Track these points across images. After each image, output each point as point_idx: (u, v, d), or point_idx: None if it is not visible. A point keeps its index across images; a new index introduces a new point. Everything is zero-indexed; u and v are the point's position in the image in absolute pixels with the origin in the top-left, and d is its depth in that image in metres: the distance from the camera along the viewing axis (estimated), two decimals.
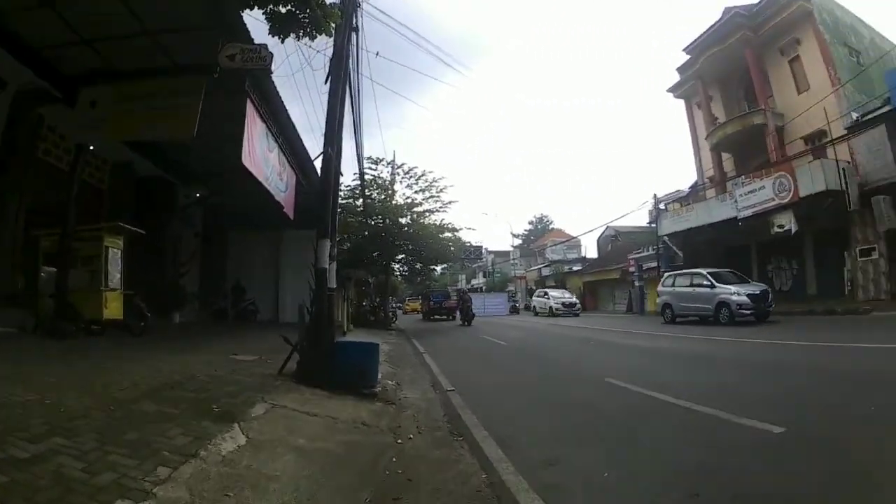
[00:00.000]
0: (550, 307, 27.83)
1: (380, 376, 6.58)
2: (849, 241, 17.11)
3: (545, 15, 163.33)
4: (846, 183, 16.48)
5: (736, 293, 14.20)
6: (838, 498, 2.65)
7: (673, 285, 17.24)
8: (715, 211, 21.19)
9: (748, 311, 13.88)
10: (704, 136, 24.20)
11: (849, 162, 17.09)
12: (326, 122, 7.16)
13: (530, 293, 39.91)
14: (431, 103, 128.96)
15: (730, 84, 23.24)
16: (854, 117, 17.22)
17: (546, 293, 30.24)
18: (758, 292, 14.33)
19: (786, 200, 17.68)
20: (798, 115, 19.01)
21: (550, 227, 65.87)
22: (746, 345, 9.60)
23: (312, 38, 5.42)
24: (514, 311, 35.24)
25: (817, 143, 18.62)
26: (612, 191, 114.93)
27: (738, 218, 19.47)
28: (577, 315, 26.04)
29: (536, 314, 28.80)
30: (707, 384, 6.01)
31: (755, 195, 18.95)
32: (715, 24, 22.16)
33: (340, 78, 7.31)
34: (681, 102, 26.90)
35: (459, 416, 5.02)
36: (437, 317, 28.69)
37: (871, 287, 16.21)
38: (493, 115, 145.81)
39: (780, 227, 17.97)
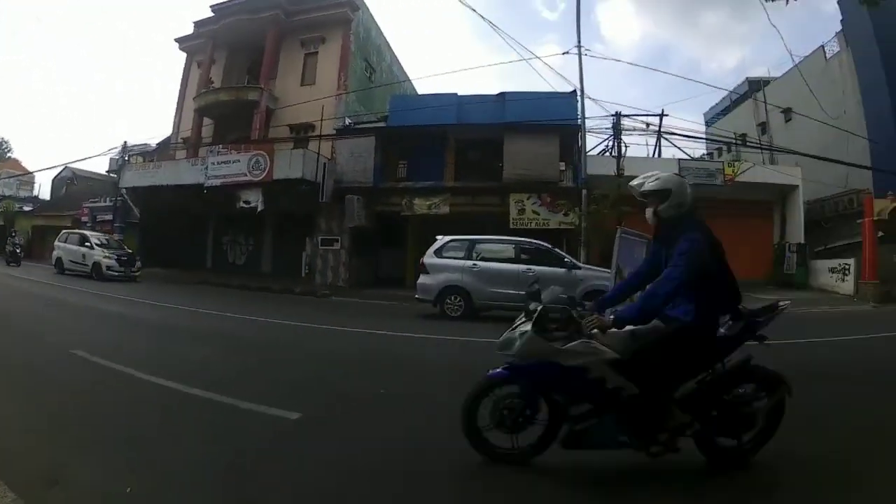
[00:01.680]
0: (97, 264, 16.71)
1: None
2: (313, 228, 17.61)
3: None
4: (324, 176, 17.11)
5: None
6: (363, 477, 2.72)
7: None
8: (184, 173, 18.90)
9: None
10: (193, 97, 21.04)
11: (329, 159, 17.85)
12: None
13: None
14: None
15: (239, 54, 21.69)
16: (347, 122, 18.70)
17: (87, 238, 18.10)
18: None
19: (258, 178, 17.10)
20: (293, 105, 19.21)
21: (8, 155, 54.47)
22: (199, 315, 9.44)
23: None
24: None
25: (302, 134, 19.08)
26: (78, 126, 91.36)
27: (205, 185, 17.87)
28: (135, 278, 17.28)
29: (63, 272, 17.99)
30: (193, 361, 5.56)
31: (228, 167, 17.71)
32: None
33: None
34: (183, 56, 23.29)
35: None
36: None
37: (329, 273, 17.28)
38: None
39: (247, 202, 17.33)
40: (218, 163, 17.89)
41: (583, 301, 3.01)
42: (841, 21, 22.55)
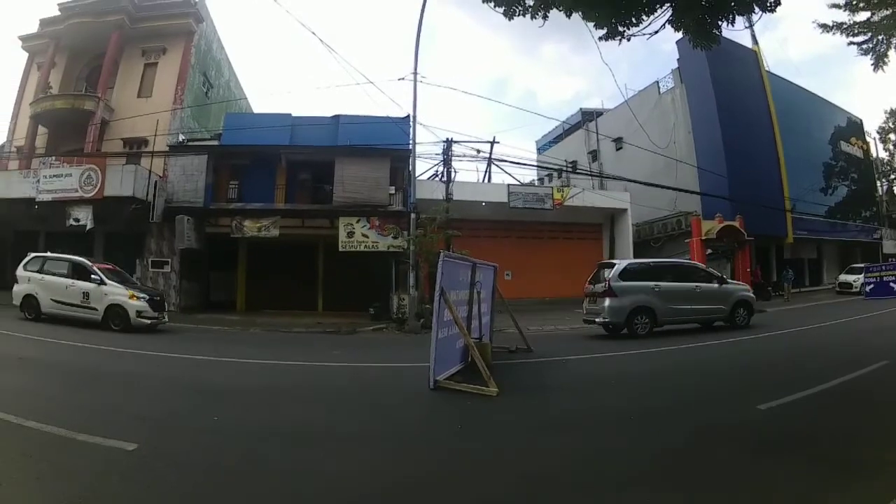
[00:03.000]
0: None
1: None
2: (143, 249, 18.00)
3: None
4: (155, 195, 17.47)
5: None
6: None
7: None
8: (15, 186, 18.44)
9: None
10: (30, 102, 20.88)
11: (161, 176, 18.22)
12: None
13: None
14: None
15: (80, 59, 21.42)
16: (181, 139, 19.01)
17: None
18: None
19: (89, 195, 17.20)
20: (129, 117, 19.27)
21: None
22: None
23: None
24: None
25: (136, 149, 19.22)
26: None
27: (37, 200, 17.77)
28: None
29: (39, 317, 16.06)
30: (31, 393, 5.66)
31: (60, 181, 17.66)
32: None
33: None
34: (25, 56, 22.82)
35: None
36: None
37: None
38: None
39: (77, 220, 17.40)
40: (50, 176, 17.75)
41: None
42: (678, 59, 24.86)
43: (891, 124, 40.05)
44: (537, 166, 30.47)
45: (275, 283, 18.45)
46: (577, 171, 26.17)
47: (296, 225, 17.87)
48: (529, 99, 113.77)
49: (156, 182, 17.73)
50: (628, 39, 6.18)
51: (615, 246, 21.85)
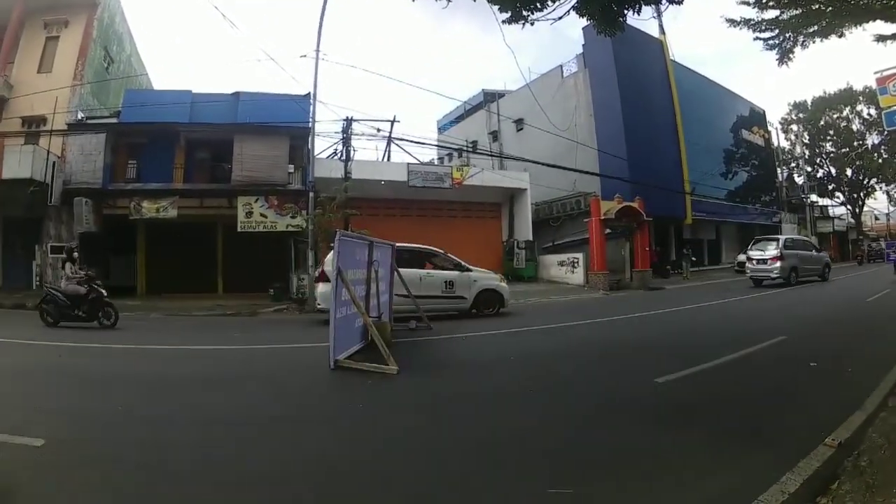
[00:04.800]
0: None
1: None
2: (43, 235, 18.39)
3: None
4: (53, 176, 17.82)
5: None
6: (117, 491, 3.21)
7: None
8: None
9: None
10: None
11: (59, 157, 18.55)
12: None
13: None
14: None
15: None
16: (80, 116, 19.27)
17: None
18: None
19: None
20: (28, 94, 19.30)
21: None
22: None
23: None
24: None
25: (35, 128, 19.46)
26: None
27: None
28: None
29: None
30: None
31: None
32: None
33: None
34: None
35: None
36: None
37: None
38: None
39: None
40: None
41: None
42: (582, 45, 25.69)
43: (793, 115, 44.64)
44: (437, 146, 31.16)
45: (175, 265, 18.92)
46: (478, 151, 27.06)
47: (194, 205, 18.33)
48: (435, 79, 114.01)
49: (54, 163, 17.98)
50: (532, 24, 6.42)
51: (514, 224, 22.83)
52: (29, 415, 4.81)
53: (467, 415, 4.81)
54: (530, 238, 21.63)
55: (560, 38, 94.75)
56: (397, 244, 10.40)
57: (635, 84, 24.40)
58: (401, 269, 10.51)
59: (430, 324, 10.04)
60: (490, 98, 34.04)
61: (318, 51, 17.73)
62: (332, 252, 12.12)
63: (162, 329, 12.03)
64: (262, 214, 18.40)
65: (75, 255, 12.18)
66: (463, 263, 12.71)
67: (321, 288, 11.50)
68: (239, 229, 18.16)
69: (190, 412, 5.01)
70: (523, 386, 5.86)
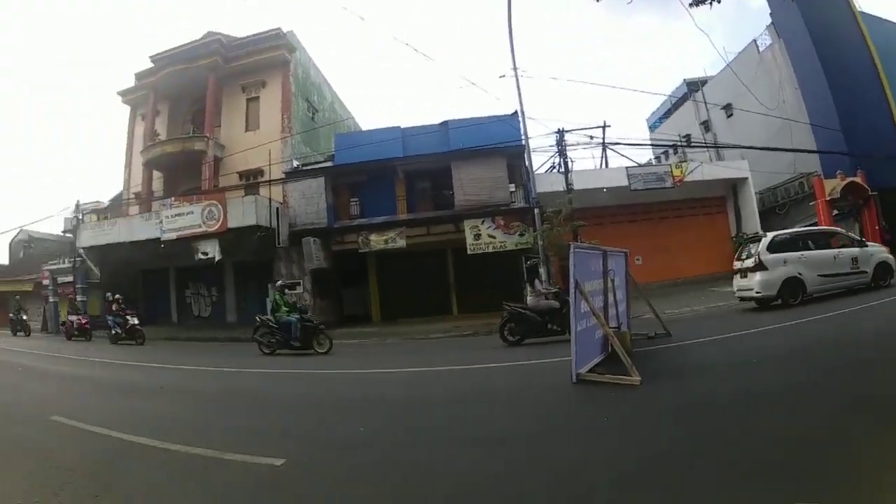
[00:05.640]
0: None
1: None
2: (273, 274, 19.29)
3: None
4: (279, 221, 18.88)
5: None
6: None
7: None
8: (138, 229, 20.48)
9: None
10: (140, 150, 23.16)
11: (281, 203, 19.60)
12: None
13: None
14: None
15: (181, 103, 23.53)
16: (295, 164, 20.38)
17: None
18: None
19: (213, 229, 18.82)
20: (240, 151, 21.04)
21: None
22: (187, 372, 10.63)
23: None
24: None
25: (252, 180, 20.92)
26: (25, 186, 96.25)
27: (162, 240, 19.56)
28: None
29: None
30: (175, 418, 6.18)
31: (182, 219, 19.35)
32: (191, 42, 22.85)
33: None
34: (127, 109, 25.47)
35: None
36: None
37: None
38: None
39: (205, 254, 19.03)
40: (172, 216, 19.47)
41: None
42: (770, 14, 25.42)
43: None
44: (651, 144, 31.28)
45: (407, 291, 19.52)
46: (692, 144, 26.64)
47: (421, 233, 18.78)
48: (628, 77, 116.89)
49: (277, 208, 19.05)
50: (719, 1, 6.29)
51: (741, 217, 22.23)
52: (270, 437, 5.11)
53: (718, 425, 4.42)
54: (758, 229, 20.94)
55: (745, 10, 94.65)
56: (802, 228, 10.68)
57: (831, 45, 22.88)
58: (814, 252, 11.44)
59: (669, 330, 9.66)
60: (693, 87, 33.75)
61: (514, 68, 18.17)
62: (762, 241, 12.51)
63: (399, 353, 12.51)
64: (490, 235, 18.61)
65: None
66: (860, 239, 13.12)
67: (760, 276, 12.22)
68: (469, 252, 18.35)
69: (431, 433, 4.97)
70: (770, 389, 5.39)
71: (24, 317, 22.08)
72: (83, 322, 18.84)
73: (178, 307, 22.96)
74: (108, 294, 18.36)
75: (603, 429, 4.67)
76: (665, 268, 20.25)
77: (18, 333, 21.09)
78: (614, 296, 8.52)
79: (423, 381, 8.17)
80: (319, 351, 11.78)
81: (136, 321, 16.73)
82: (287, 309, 12.46)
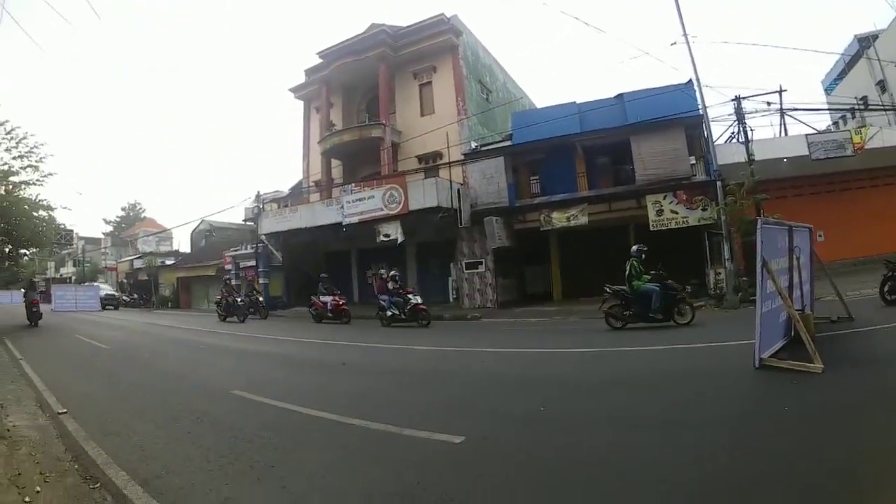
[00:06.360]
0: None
1: None
2: (455, 254, 23.11)
3: None
4: (460, 202, 22.67)
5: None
6: (546, 493, 3.60)
7: None
8: (320, 215, 25.25)
9: None
10: (318, 141, 27.26)
11: (462, 184, 23.56)
12: None
13: (121, 287, 50.05)
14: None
15: (354, 94, 28.16)
16: (473, 146, 24.58)
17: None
18: None
19: (395, 211, 22.73)
20: (417, 137, 25.38)
21: (143, 215, 75.77)
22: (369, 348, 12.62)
23: None
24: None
25: (431, 163, 25.07)
26: (205, 182, 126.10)
27: (343, 224, 23.84)
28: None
29: None
30: (354, 394, 7.30)
31: (363, 203, 23.62)
32: (357, 35, 27.83)
33: None
34: (300, 104, 30.27)
35: (86, 452, 5.17)
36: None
37: (476, 296, 22.45)
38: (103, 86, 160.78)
39: (387, 235, 23.00)
40: (353, 201, 24.02)
41: None
42: None
43: None
44: (828, 109, 31.68)
45: (588, 269, 21.89)
46: (869, 107, 26.57)
47: (602, 210, 21.67)
48: (799, 36, 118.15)
49: (458, 190, 23.11)
50: None
51: None
52: (449, 414, 5.85)
53: None
54: None
55: None
56: None
57: None
58: None
59: (852, 314, 10.05)
60: (865, 44, 34.15)
61: (685, 34, 19.76)
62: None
63: (579, 332, 13.62)
64: (672, 211, 20.76)
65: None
66: None
67: None
68: (651, 228, 20.86)
69: (606, 414, 5.55)
70: None
71: (240, 299, 23.13)
72: (340, 303, 20.11)
73: (360, 287, 27.85)
74: (382, 271, 20.07)
75: (800, 417, 4.90)
76: (847, 244, 21.38)
77: (230, 319, 22.60)
78: (799, 275, 8.79)
79: (606, 362, 8.98)
80: (680, 322, 12.11)
81: (419, 300, 17.86)
82: (648, 277, 12.61)
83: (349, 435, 5.10)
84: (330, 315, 19.68)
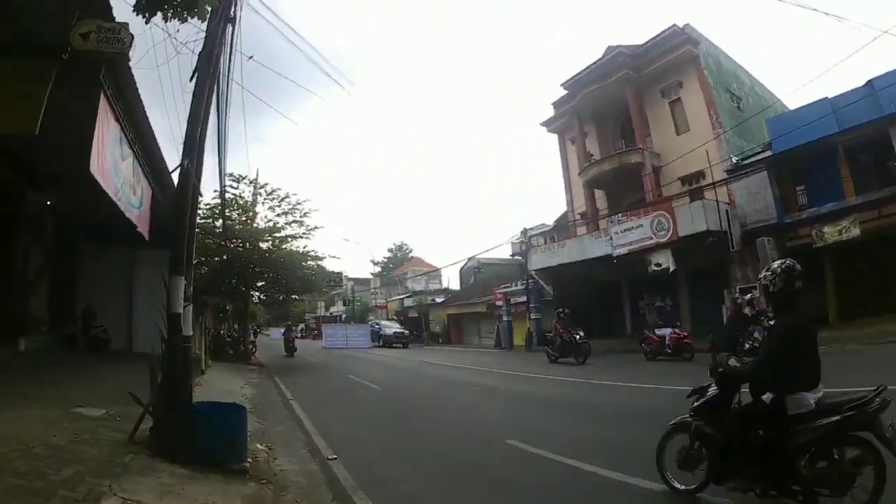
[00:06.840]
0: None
1: (248, 436, 7.27)
2: (728, 279, 24.23)
3: (425, 41, 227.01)
4: (729, 224, 23.36)
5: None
6: None
7: None
8: (589, 247, 28.14)
9: None
10: (577, 172, 31.64)
11: (728, 203, 24.74)
12: (187, 129, 7.82)
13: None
14: (300, 119, 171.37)
15: (606, 121, 31.92)
16: (734, 161, 25.79)
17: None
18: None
19: (664, 239, 24.05)
20: (677, 157, 27.12)
21: (410, 255, 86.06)
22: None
23: (183, 19, 5.86)
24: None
25: (695, 185, 26.88)
26: (471, 221, 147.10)
27: (613, 255, 25.83)
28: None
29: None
30: (630, 448, 6.92)
31: (632, 233, 25.32)
32: (597, 61, 31.23)
33: (209, 77, 8.07)
34: (554, 137, 35.35)
35: (353, 501, 5.59)
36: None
37: None
38: (360, 139, 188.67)
39: (658, 265, 24.40)
40: (621, 231, 25.98)
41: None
42: None
43: None
44: None
45: (865, 287, 20.68)
46: None
47: (872, 217, 19.91)
48: None
49: (726, 210, 23.91)
50: None
51: None
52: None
53: None
54: None
55: None
56: None
57: None
58: None
59: None
60: None
61: None
62: None
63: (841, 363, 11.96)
64: None
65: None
66: None
67: None
68: None
69: None
70: None
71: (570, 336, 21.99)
72: (682, 336, 19.29)
73: (632, 318, 29.80)
74: (737, 295, 19.78)
75: None
76: None
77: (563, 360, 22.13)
78: None
79: None
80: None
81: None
82: None
83: (622, 493, 5.20)
84: (668, 351, 18.98)
